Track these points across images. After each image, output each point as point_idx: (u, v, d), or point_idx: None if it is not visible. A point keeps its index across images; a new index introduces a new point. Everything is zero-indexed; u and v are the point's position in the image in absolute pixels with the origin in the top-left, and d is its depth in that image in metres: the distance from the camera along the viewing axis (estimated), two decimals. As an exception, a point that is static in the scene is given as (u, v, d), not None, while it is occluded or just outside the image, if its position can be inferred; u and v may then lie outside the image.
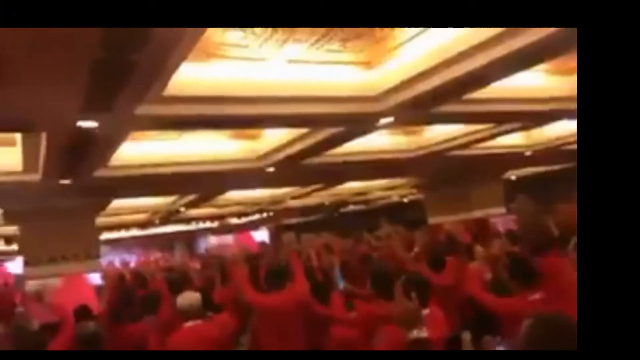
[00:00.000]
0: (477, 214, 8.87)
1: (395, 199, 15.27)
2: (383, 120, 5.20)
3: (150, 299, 4.93)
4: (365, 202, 15.19)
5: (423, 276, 3.48)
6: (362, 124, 5.32)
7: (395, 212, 15.60)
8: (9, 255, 13.28)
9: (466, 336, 4.69)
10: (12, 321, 6.11)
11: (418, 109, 4.87)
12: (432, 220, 9.83)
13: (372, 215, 15.96)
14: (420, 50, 4.17)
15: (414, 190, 12.63)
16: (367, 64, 4.56)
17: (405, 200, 15.32)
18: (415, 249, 5.72)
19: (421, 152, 7.39)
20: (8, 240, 11.49)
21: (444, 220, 9.00)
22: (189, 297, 3.71)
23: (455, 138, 6.98)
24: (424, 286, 3.22)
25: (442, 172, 8.97)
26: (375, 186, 11.96)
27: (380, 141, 6.99)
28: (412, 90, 4.46)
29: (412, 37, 4.14)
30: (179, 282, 5.61)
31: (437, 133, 7.09)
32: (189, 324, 3.60)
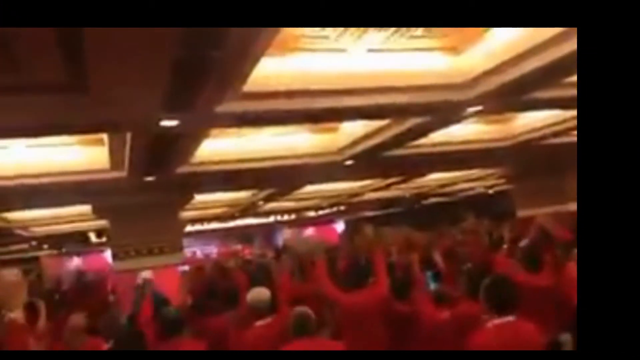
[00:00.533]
0: (573, 206, 8.22)
1: (479, 190, 14.64)
2: (471, 109, 4.88)
3: (231, 293, 4.95)
4: (448, 194, 14.68)
5: (508, 278, 3.18)
6: (448, 113, 5.01)
7: (479, 204, 14.99)
8: (102, 246, 14.12)
9: (566, 338, 4.32)
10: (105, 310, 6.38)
11: (509, 96, 4.51)
12: (522, 212, 9.26)
13: (454, 207, 15.44)
14: (510, 33, 3.83)
15: (500, 181, 12.03)
16: (453, 50, 4.26)
17: (490, 191, 14.65)
18: (505, 246, 5.35)
19: (511, 142, 6.94)
20: (100, 233, 12.19)
21: (535, 212, 8.42)
22: (259, 293, 3.67)
23: (549, 125, 6.48)
24: (510, 289, 2.95)
25: (534, 162, 8.41)
26: (459, 177, 11.48)
27: (466, 131, 6.62)
28: (502, 77, 4.13)
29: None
30: (258, 276, 5.61)
31: (529, 120, 6.61)
32: (261, 322, 3.55)
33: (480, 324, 2.98)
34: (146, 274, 4.71)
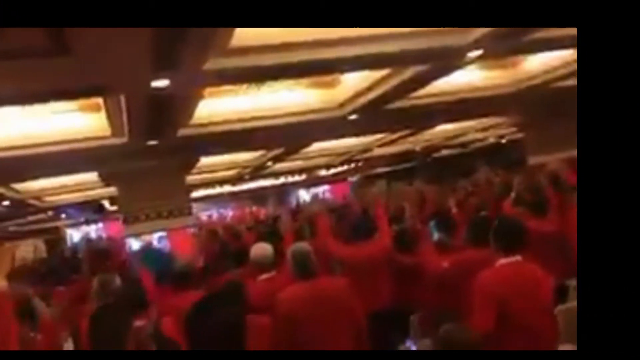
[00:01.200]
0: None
1: (492, 140, 14.39)
2: (471, 54, 4.69)
3: (241, 252, 4.98)
4: (460, 145, 14.46)
5: (516, 220, 3.18)
6: (448, 59, 4.84)
7: (493, 153, 14.80)
8: (115, 213, 14.34)
9: (571, 283, 4.28)
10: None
11: (509, 38, 4.33)
12: (534, 159, 9.05)
13: (468, 158, 15.26)
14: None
15: (512, 129, 11.78)
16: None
17: (503, 140, 14.39)
18: (512, 194, 5.24)
19: (519, 86, 6.71)
20: (112, 200, 12.33)
21: (548, 159, 8.23)
22: (261, 249, 3.67)
23: (559, 67, 6.23)
24: (518, 230, 2.95)
25: (545, 107, 8.14)
26: (469, 127, 11.25)
27: (472, 77, 6.43)
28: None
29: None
30: (269, 234, 5.62)
31: (538, 63, 6.36)
32: (263, 276, 3.56)
33: (484, 269, 2.96)
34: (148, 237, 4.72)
